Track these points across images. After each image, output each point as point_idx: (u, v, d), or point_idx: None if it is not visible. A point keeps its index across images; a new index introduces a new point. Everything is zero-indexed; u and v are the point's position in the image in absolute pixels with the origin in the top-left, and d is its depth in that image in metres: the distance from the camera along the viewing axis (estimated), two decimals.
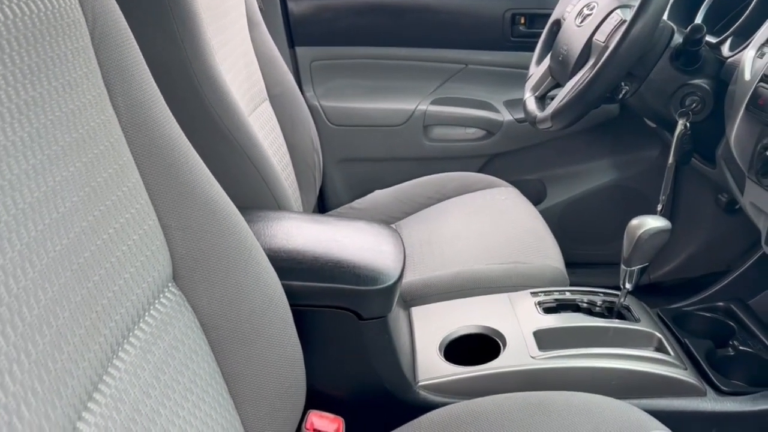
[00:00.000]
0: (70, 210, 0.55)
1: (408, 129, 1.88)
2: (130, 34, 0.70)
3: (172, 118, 0.74)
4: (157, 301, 0.67)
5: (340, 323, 0.95)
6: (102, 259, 0.58)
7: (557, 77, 1.47)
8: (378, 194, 1.73)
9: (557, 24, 1.56)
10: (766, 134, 1.09)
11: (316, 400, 0.96)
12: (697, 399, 1.00)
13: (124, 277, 0.62)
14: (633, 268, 1.08)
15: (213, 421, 0.71)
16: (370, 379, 0.99)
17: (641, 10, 1.16)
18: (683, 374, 1.01)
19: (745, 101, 1.11)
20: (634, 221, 1.07)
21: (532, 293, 1.17)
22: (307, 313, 0.92)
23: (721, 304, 1.23)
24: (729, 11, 1.45)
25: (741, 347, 1.12)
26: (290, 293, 0.87)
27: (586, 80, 1.23)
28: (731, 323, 1.18)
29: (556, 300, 1.15)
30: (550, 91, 1.52)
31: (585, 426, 0.87)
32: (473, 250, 1.35)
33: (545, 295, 1.17)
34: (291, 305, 0.87)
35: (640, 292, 1.20)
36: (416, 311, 1.19)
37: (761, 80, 1.08)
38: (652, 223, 1.05)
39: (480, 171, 1.88)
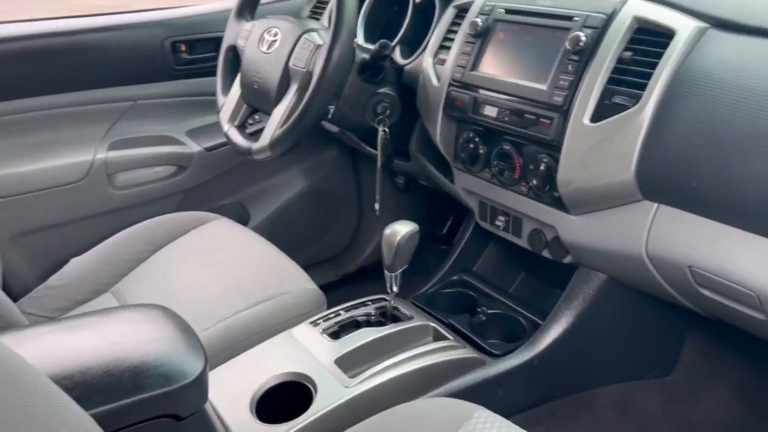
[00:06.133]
0: None
1: (91, 182, 1.68)
2: None
3: None
4: None
5: None
6: None
7: (256, 104, 1.47)
8: (76, 263, 1.52)
9: (233, 50, 1.55)
10: (464, 130, 1.28)
11: None
12: (482, 369, 1.15)
13: None
14: (396, 272, 1.17)
15: None
16: None
17: (336, 35, 1.23)
18: (465, 353, 1.15)
19: (441, 105, 1.28)
20: (387, 230, 1.15)
21: (311, 323, 1.19)
22: None
23: (455, 277, 1.41)
24: (381, 21, 1.62)
25: (488, 311, 1.31)
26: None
27: (301, 107, 1.26)
28: (471, 293, 1.37)
29: (337, 323, 1.18)
30: (248, 118, 1.52)
31: None
32: (227, 296, 1.29)
33: (324, 321, 1.19)
34: None
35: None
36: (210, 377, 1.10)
37: (450, 85, 1.26)
38: (403, 229, 1.14)
39: (179, 209, 1.78)
